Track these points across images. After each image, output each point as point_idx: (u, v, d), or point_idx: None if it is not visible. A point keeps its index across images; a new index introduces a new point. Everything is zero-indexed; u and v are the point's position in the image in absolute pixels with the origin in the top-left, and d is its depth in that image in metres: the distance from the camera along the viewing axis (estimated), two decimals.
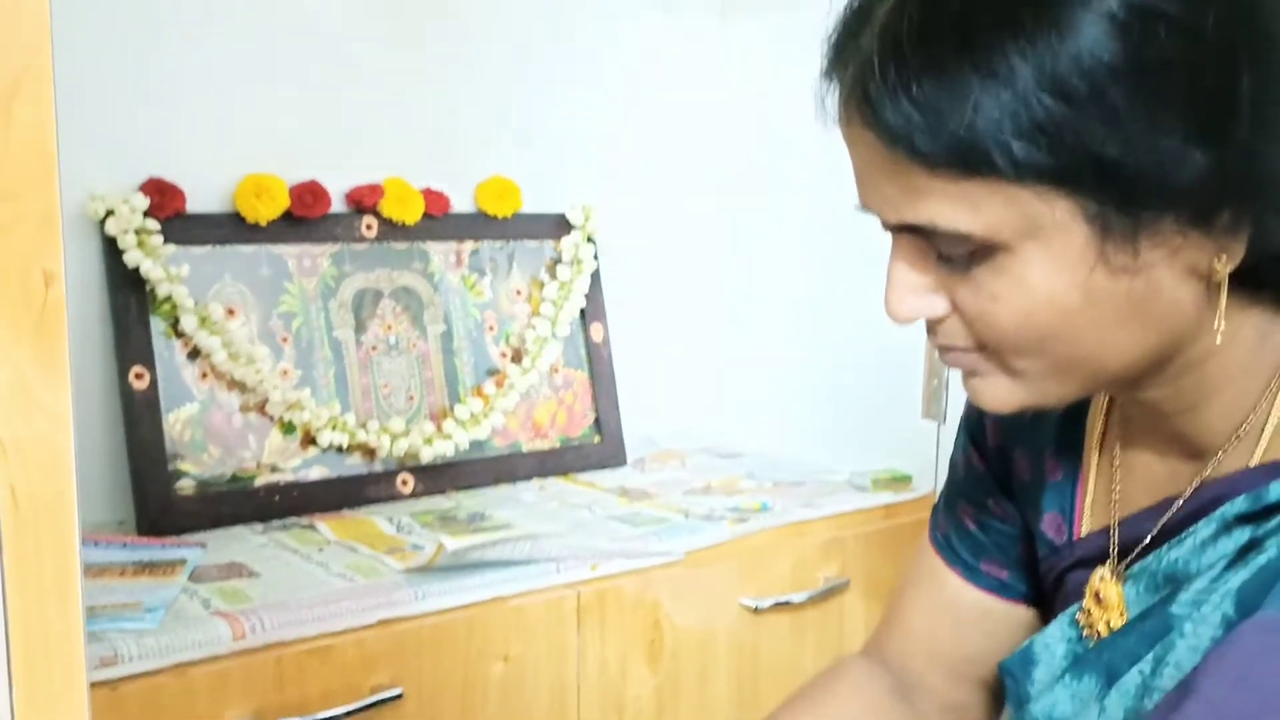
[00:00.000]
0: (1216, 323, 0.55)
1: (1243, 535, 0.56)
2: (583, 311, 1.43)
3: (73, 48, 1.14)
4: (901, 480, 1.32)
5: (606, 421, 1.44)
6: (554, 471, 1.38)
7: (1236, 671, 0.51)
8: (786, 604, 1.18)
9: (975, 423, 0.78)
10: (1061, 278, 0.54)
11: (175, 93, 1.21)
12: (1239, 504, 0.57)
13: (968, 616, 0.76)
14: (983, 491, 0.77)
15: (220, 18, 1.23)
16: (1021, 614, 0.75)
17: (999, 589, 0.76)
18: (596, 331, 1.45)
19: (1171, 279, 0.54)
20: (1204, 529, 0.58)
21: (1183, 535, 0.60)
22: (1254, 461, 0.58)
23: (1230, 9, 0.50)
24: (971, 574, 0.76)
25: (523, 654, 1.02)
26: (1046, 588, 0.73)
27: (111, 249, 1.16)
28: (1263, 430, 0.58)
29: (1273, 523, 0.54)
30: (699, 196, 1.60)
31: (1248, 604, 0.54)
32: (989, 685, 0.76)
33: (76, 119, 1.15)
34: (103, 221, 1.16)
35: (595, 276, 1.44)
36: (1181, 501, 0.62)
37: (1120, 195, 0.51)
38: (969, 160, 0.51)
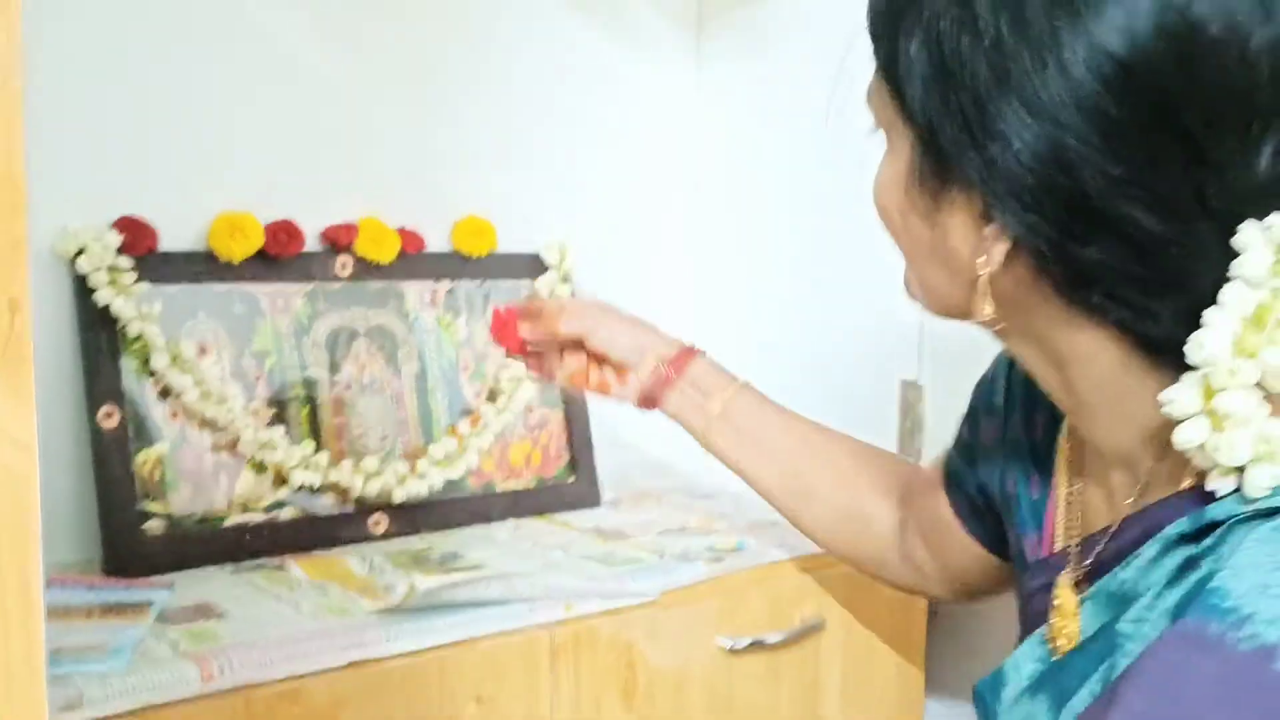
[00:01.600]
0: (984, 311, 0.63)
1: (1182, 554, 0.58)
2: None
3: (46, 84, 1.14)
4: None
5: (581, 461, 1.43)
6: (529, 511, 1.38)
7: (1157, 681, 0.53)
8: (762, 644, 1.17)
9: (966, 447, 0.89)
10: (892, 191, 0.66)
11: (149, 130, 1.21)
12: (1181, 524, 0.59)
13: (947, 530, 0.93)
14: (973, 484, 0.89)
15: (195, 56, 1.23)
16: (991, 559, 0.90)
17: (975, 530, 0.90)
18: None
19: (968, 255, 0.62)
20: (1149, 549, 0.61)
21: (1131, 557, 0.63)
22: (1187, 482, 0.60)
23: (994, 16, 0.57)
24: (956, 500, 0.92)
25: (495, 695, 1.01)
26: (1020, 608, 0.77)
27: (82, 287, 1.15)
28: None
29: (1208, 540, 0.56)
30: (673, 237, 1.61)
31: (1181, 619, 0.56)
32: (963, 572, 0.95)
33: (49, 156, 1.15)
34: (74, 259, 1.15)
35: None
36: (1119, 523, 0.66)
37: (930, 154, 0.61)
38: (879, 58, 0.64)
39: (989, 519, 0.88)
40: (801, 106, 1.44)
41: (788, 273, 1.47)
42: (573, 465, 1.43)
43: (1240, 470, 0.55)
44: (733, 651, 1.16)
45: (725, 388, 1.02)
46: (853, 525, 1.00)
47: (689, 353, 1.03)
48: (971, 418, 0.87)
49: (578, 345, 1.02)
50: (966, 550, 0.92)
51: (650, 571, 1.14)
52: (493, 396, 1.38)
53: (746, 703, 1.18)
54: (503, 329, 1.06)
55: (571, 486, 1.42)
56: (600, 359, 1.02)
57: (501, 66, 1.44)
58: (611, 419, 1.50)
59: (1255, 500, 0.54)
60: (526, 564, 1.17)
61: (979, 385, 0.87)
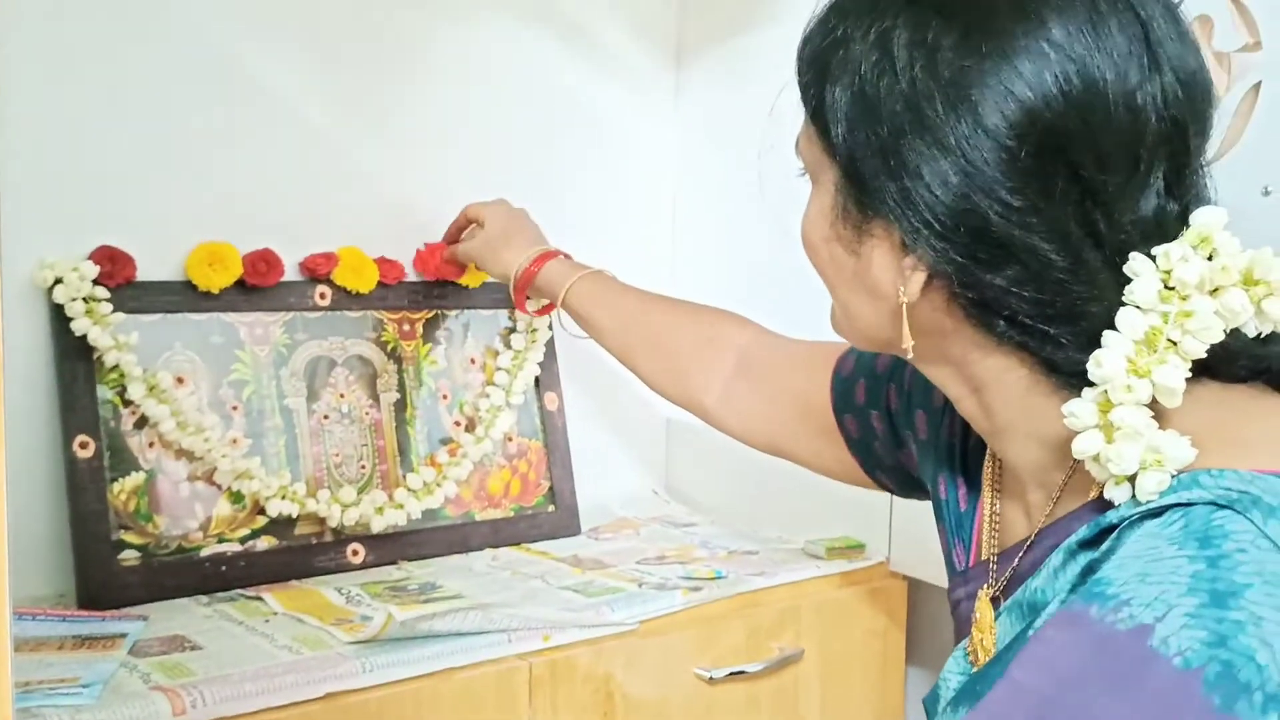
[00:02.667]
0: (904, 342, 0.66)
1: (1084, 560, 0.61)
2: (537, 380, 1.43)
3: (24, 115, 1.14)
4: (855, 548, 1.33)
5: (560, 491, 1.43)
6: (507, 541, 1.37)
7: (1039, 656, 0.56)
8: (741, 674, 1.17)
9: (904, 415, 0.91)
10: (819, 224, 0.69)
11: (127, 160, 1.21)
12: (1081, 532, 0.62)
13: (813, 416, 0.99)
14: (885, 439, 0.94)
15: (173, 86, 1.23)
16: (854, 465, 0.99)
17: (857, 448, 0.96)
18: (551, 400, 1.45)
19: (890, 285, 0.66)
20: (1055, 558, 0.64)
21: (1040, 567, 0.66)
22: (1093, 494, 0.64)
23: (910, 72, 0.62)
24: (841, 423, 0.97)
25: None
26: (951, 613, 0.81)
27: (59, 317, 1.15)
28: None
29: (1105, 544, 0.59)
30: (652, 265, 1.62)
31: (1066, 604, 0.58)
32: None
33: (26, 186, 1.15)
34: (51, 289, 1.15)
35: (549, 345, 1.45)
36: (1032, 536, 0.69)
37: (852, 188, 0.65)
38: (808, 104, 0.68)
39: (884, 449, 0.94)
40: (780, 133, 1.45)
41: (767, 298, 1.48)
42: (552, 495, 1.43)
43: (1133, 479, 0.60)
44: (712, 681, 1.15)
45: (566, 281, 1.21)
46: (676, 385, 1.14)
47: (542, 258, 1.25)
48: (896, 378, 0.91)
49: None
50: (829, 450, 1.00)
51: (629, 601, 1.14)
52: (471, 426, 1.38)
53: None
54: (423, 262, 1.38)
55: (550, 516, 1.42)
56: None
57: (481, 98, 1.45)
58: (591, 448, 1.50)
59: (1145, 504, 0.58)
60: (505, 594, 1.17)
61: (920, 375, 0.88)
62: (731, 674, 1.16)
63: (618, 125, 1.57)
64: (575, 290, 1.21)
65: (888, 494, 1.32)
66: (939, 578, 1.27)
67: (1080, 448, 0.61)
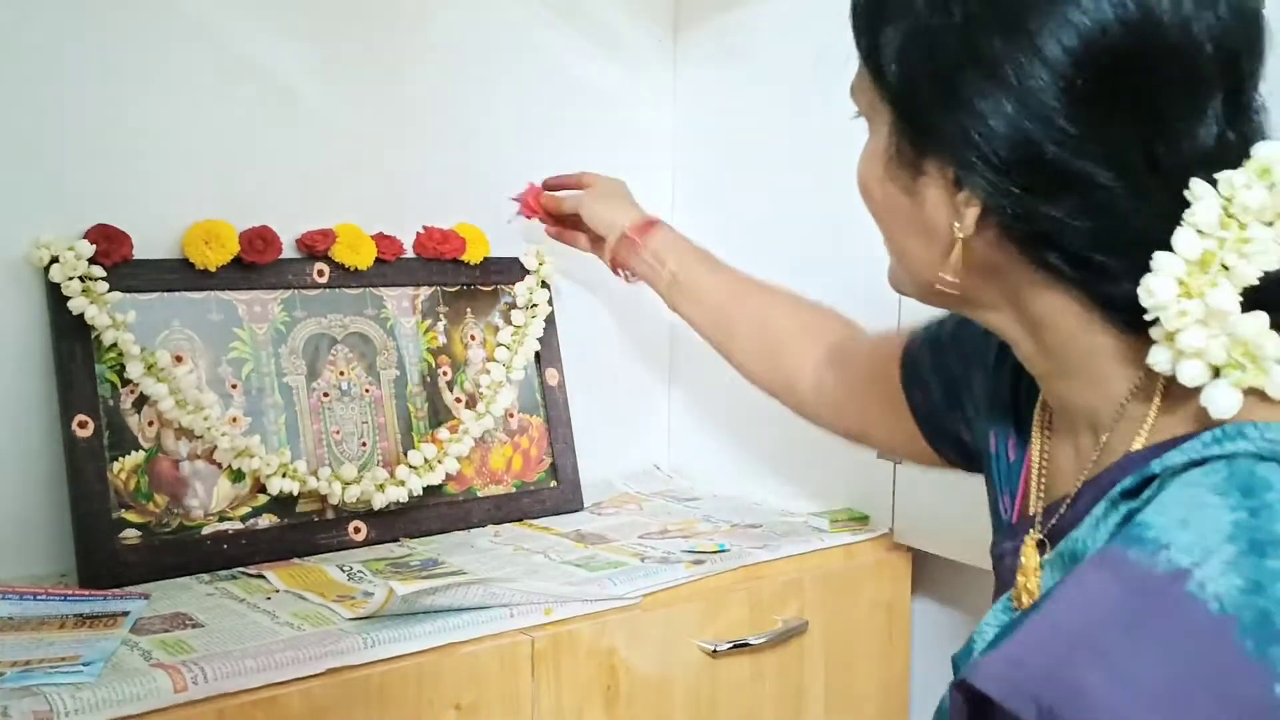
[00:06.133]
0: (949, 274, 0.67)
1: (1125, 509, 0.62)
2: (538, 355, 1.43)
3: (18, 92, 1.13)
4: (859, 520, 1.32)
5: (563, 466, 1.43)
6: (510, 517, 1.37)
7: (1073, 595, 0.56)
8: (745, 646, 1.17)
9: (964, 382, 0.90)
10: (874, 167, 0.70)
11: (123, 138, 1.20)
12: (1125, 482, 0.62)
13: (888, 405, 0.98)
14: (947, 408, 0.93)
15: (168, 63, 1.22)
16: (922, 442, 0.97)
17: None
18: (552, 376, 1.44)
19: (945, 223, 0.66)
20: (1098, 509, 0.64)
21: (1084, 519, 0.65)
22: (1137, 445, 0.64)
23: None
24: (910, 397, 0.96)
25: (475, 702, 1.00)
26: (994, 569, 0.80)
27: (56, 296, 1.14)
28: (1146, 415, 0.64)
29: (1146, 493, 0.60)
30: None
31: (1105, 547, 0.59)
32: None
33: (21, 164, 1.14)
34: (47, 269, 1.14)
35: (550, 320, 1.44)
36: (1079, 488, 0.69)
37: (905, 127, 0.66)
38: (861, 48, 0.69)
39: (944, 418, 0.93)
40: (778, 108, 1.44)
41: (768, 273, 1.47)
42: (554, 470, 1.43)
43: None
44: (715, 654, 1.15)
45: (679, 246, 1.25)
46: (770, 366, 1.17)
47: (650, 224, 1.28)
48: (958, 344, 0.90)
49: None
50: (902, 429, 0.99)
51: (631, 575, 1.14)
52: (472, 402, 1.37)
53: (730, 706, 1.18)
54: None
55: (553, 491, 1.42)
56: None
57: (479, 72, 1.44)
58: (593, 424, 1.50)
59: (1188, 455, 0.59)
60: (507, 569, 1.16)
61: (977, 334, 0.88)
62: (735, 646, 1.16)
63: (615, 99, 1.56)
64: (687, 259, 1.24)
65: (892, 467, 1.32)
66: (944, 549, 1.28)
67: (1155, 359, 0.61)
